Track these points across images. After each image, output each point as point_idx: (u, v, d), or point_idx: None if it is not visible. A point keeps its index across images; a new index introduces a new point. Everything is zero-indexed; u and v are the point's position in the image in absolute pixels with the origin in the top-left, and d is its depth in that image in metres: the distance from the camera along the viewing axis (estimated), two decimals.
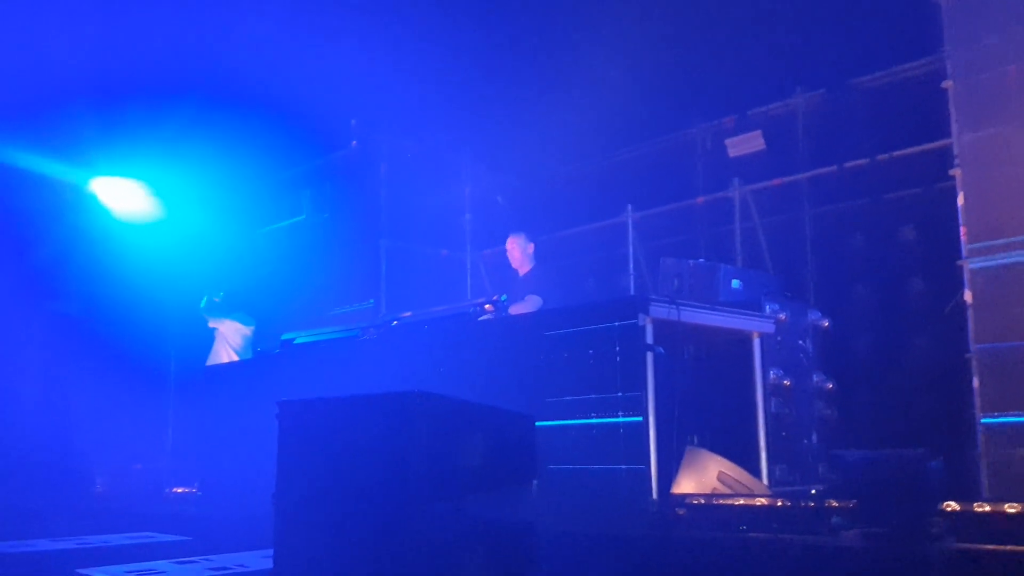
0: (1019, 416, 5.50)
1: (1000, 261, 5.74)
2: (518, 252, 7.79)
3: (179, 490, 8.52)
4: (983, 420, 5.59)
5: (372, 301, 9.49)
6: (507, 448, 3.71)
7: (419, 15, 8.21)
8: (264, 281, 10.12)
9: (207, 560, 5.22)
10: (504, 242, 7.86)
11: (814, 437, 6.33)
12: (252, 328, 9.43)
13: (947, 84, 6.22)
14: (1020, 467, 5.57)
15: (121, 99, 9.04)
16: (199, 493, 8.16)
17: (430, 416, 3.38)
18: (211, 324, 9.39)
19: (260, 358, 8.16)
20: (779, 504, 4.52)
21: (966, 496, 5.38)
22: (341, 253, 9.80)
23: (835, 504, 4.28)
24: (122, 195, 10.07)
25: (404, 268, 9.66)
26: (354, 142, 10.07)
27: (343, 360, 6.94)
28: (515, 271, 7.85)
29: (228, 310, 9.42)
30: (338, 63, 8.48)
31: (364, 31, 8.19)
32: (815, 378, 6.45)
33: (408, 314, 6.85)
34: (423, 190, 9.94)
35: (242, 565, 5.01)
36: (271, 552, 3.99)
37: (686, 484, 5.00)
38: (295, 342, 7.67)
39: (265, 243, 10.59)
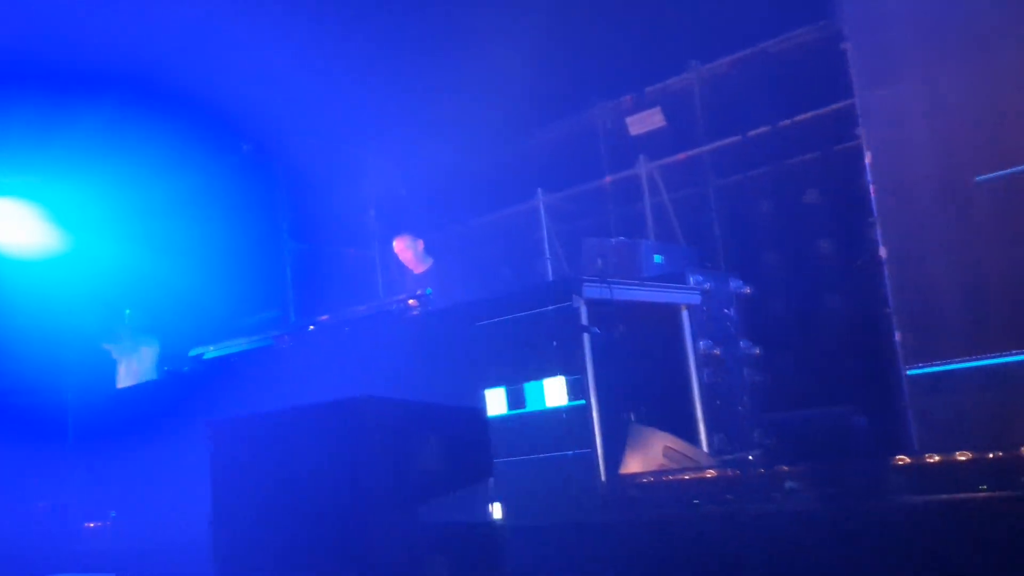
0: (941, 365, 5.63)
1: (911, 216, 5.85)
2: (410, 253, 7.74)
3: (92, 524, 8.00)
4: (909, 372, 5.69)
5: (279, 309, 9.14)
6: (462, 446, 3.54)
7: (309, 9, 7.89)
8: (163, 297, 9.60)
9: None
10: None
11: (747, 403, 6.37)
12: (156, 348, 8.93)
13: (846, 46, 6.31)
14: (944, 414, 5.70)
15: None
16: (115, 525, 7.69)
17: (381, 421, 3.18)
18: (115, 354, 8.83)
19: (169, 377, 7.74)
20: (730, 474, 4.49)
21: (895, 448, 5.49)
22: (243, 260, 9.38)
23: (787, 469, 4.27)
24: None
25: (311, 271, 9.34)
26: (245, 146, 9.67)
27: (259, 372, 6.62)
28: (409, 271, 7.75)
29: (139, 332, 8.89)
30: (227, 63, 8.06)
31: (252, 27, 7.80)
32: (742, 345, 6.50)
33: (325, 317, 6.58)
34: (324, 189, 9.62)
35: None
36: None
37: (633, 463, 4.93)
38: (204, 357, 7.30)
39: (160, 257, 10.03)
